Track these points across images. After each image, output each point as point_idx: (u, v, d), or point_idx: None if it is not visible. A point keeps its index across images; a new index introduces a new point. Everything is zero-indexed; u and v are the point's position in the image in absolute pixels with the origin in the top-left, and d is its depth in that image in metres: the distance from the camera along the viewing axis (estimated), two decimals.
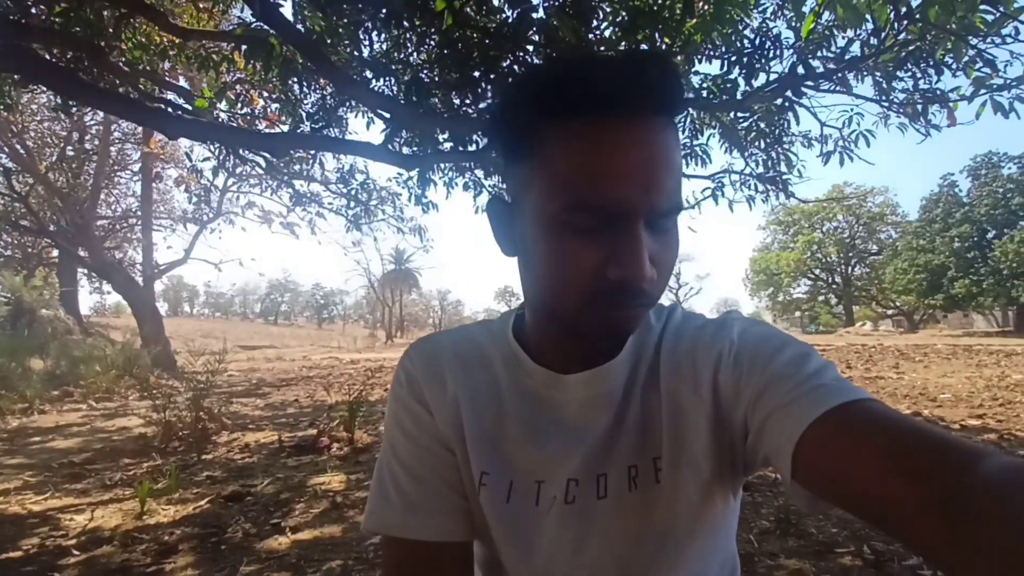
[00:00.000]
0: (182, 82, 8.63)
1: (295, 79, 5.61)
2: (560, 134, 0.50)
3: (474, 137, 5.91)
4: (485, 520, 0.64)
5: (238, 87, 6.68)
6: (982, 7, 3.77)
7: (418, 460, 0.64)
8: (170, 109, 5.74)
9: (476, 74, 5.01)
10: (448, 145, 6.11)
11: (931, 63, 4.84)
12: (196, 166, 8.36)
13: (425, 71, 5.39)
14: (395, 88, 5.45)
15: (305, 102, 6.37)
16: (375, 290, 51.11)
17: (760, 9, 4.45)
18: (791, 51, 4.99)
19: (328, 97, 6.28)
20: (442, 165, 6.98)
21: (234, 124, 7.01)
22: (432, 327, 75.93)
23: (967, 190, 32.11)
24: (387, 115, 5.48)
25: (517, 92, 0.54)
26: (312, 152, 7.79)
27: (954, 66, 4.70)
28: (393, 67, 5.34)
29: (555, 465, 0.62)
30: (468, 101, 5.26)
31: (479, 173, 7.17)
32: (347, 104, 6.30)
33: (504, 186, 0.67)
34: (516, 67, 4.77)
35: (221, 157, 7.31)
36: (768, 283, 26.66)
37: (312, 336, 44.24)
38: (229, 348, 7.61)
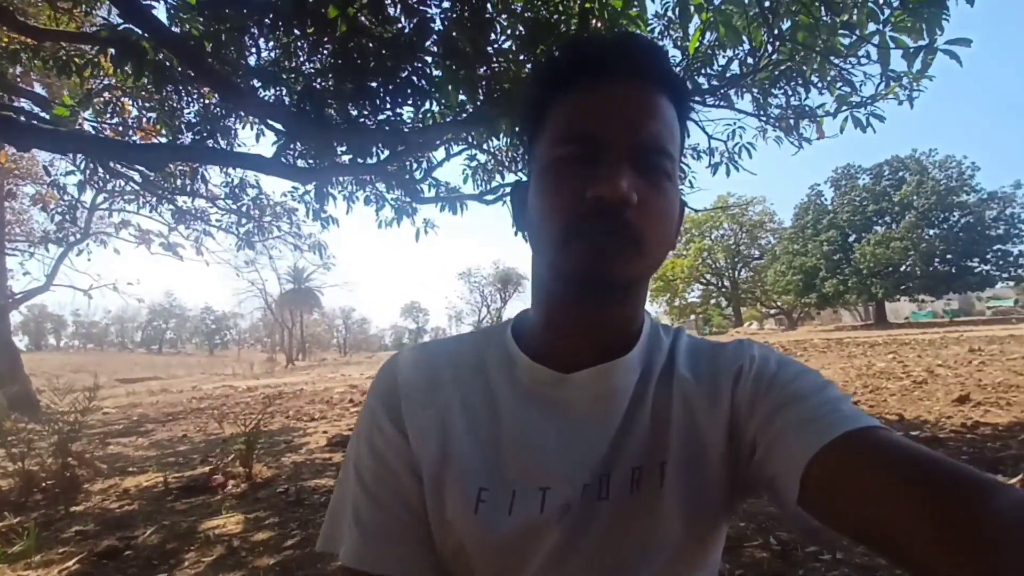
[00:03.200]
0: (38, 89, 7.74)
1: (173, 87, 5.17)
2: (561, 102, 0.57)
3: (374, 149, 5.75)
4: (473, 544, 0.57)
5: (106, 94, 6.06)
6: (841, 31, 4.16)
7: (382, 484, 0.60)
8: (22, 118, 5.10)
9: (373, 84, 4.85)
10: (347, 158, 5.89)
11: (800, 81, 5.28)
12: (57, 181, 7.47)
13: (319, 80, 5.15)
14: (287, 98, 5.16)
15: (185, 112, 5.89)
16: (272, 312, 48.52)
17: (649, 28, 4.63)
18: (678, 68, 5.26)
19: (212, 107, 5.86)
20: (341, 179, 6.72)
21: (103, 135, 6.36)
22: (337, 347, 73.21)
23: (831, 198, 35.63)
24: (278, 126, 5.19)
25: (531, 81, 0.62)
26: (196, 165, 7.22)
27: (820, 84, 5.16)
28: (284, 76, 5.05)
29: (563, 469, 0.58)
30: (366, 112, 5.08)
31: (381, 187, 6.98)
32: (235, 114, 5.91)
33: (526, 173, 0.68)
34: (415, 78, 4.66)
35: (88, 171, 6.59)
36: (665, 289, 28.15)
37: (203, 364, 41.19)
38: (104, 382, 6.84)
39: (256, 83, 5.13)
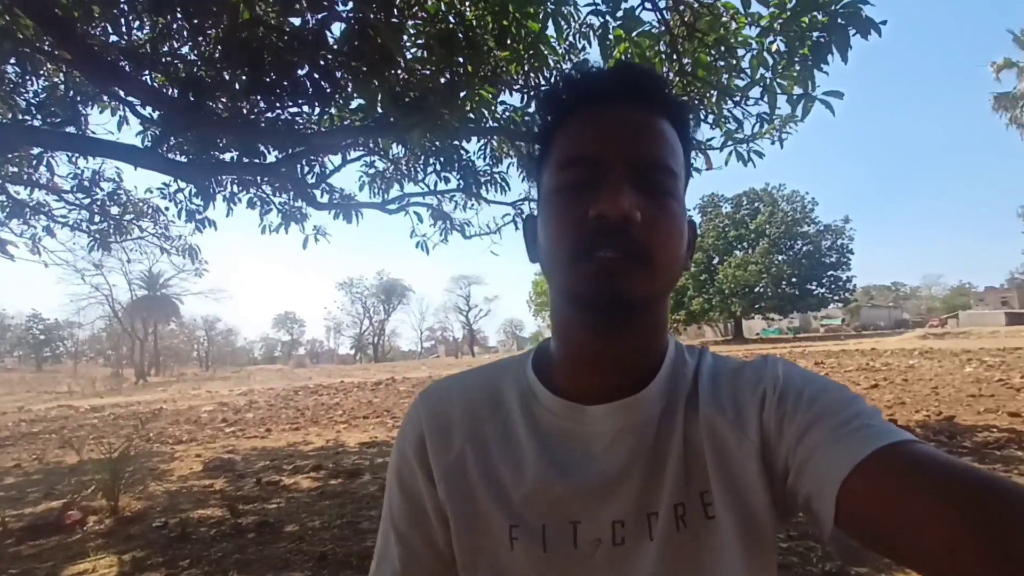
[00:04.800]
0: None
1: (16, 59, 4.43)
2: (563, 131, 0.58)
3: (264, 149, 5.32)
4: None
5: None
6: (737, 73, 4.48)
7: (409, 522, 0.62)
8: None
9: (268, 79, 4.47)
10: (229, 156, 5.40)
11: (695, 116, 5.63)
12: None
13: (203, 69, 4.67)
14: (167, 86, 4.62)
15: (25, 89, 5.08)
16: (121, 321, 43.55)
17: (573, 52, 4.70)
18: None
19: (62, 85, 5.11)
20: (223, 178, 6.15)
21: None
22: (197, 361, 67.15)
23: (700, 224, 38.86)
24: (146, 114, 4.64)
25: (536, 113, 0.60)
26: (40, 151, 6.25)
27: (710, 119, 5.52)
28: (163, 61, 4.52)
29: (591, 504, 0.58)
30: (259, 108, 4.67)
31: (267, 189, 6.48)
32: (91, 97, 5.19)
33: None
34: (315, 75, 4.35)
35: None
36: (549, 304, 28.92)
37: (29, 381, 35.85)
38: None
39: (125, 65, 4.55)
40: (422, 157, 6.14)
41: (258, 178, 6.21)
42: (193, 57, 4.70)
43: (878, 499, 0.43)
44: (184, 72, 4.56)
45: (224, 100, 4.70)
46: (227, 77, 4.53)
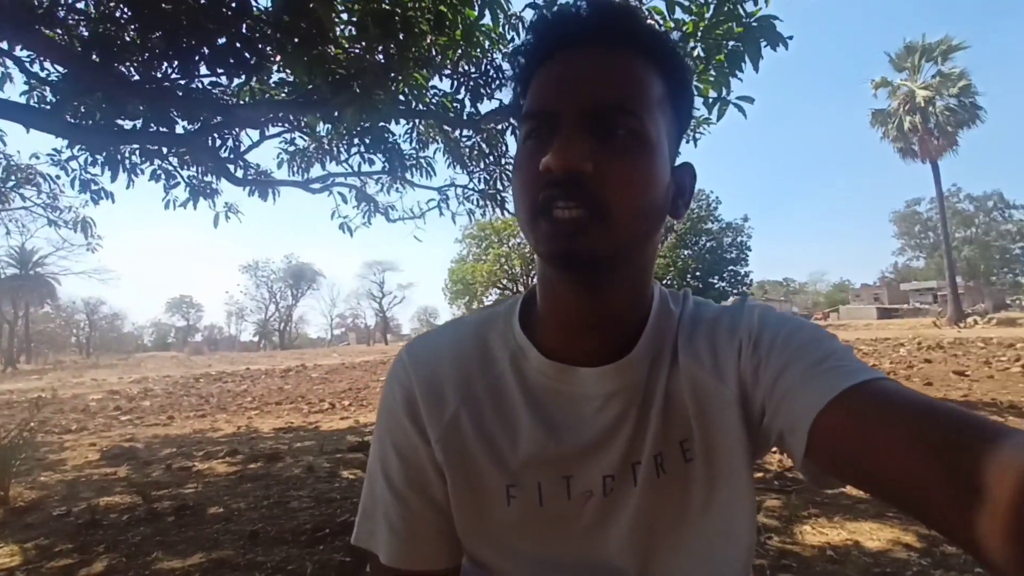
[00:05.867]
0: None
1: None
2: (532, 83, 0.56)
3: (175, 119, 5.01)
4: (510, 532, 0.62)
5: None
6: None
7: (410, 485, 0.62)
8: None
9: (184, 44, 4.23)
10: (133, 123, 5.03)
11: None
12: None
13: (110, 27, 4.33)
14: (68, 42, 4.24)
15: None
16: None
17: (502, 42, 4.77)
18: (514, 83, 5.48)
19: None
20: (122, 147, 5.71)
21: None
22: (77, 348, 61.33)
23: None
24: (36, 72, 4.25)
25: (514, 66, 0.60)
26: None
27: None
28: (66, 15, 4.15)
29: (582, 460, 0.60)
30: (174, 74, 4.40)
31: (174, 161, 6.09)
32: None
33: None
34: (238, 44, 4.17)
35: None
36: (464, 292, 28.91)
37: None
38: None
39: (22, 16, 4.14)
40: (346, 137, 6.01)
41: (164, 149, 5.83)
42: (96, 14, 4.35)
43: (848, 433, 0.45)
44: (89, 30, 4.21)
45: (135, 63, 4.39)
46: (138, 38, 4.24)
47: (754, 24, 3.37)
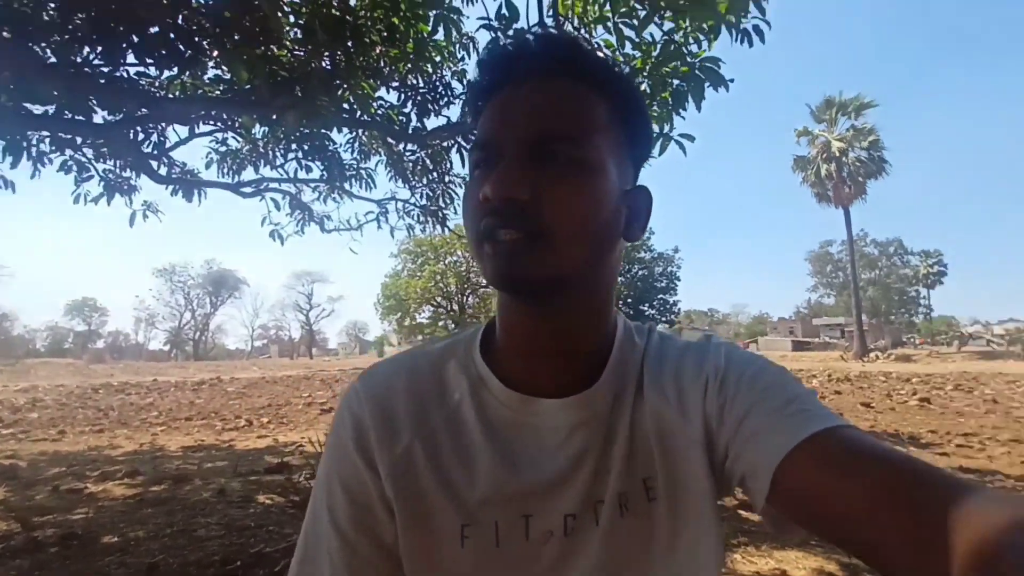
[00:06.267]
0: None
1: None
2: (482, 116, 0.57)
3: (94, 108, 4.63)
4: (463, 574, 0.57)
5: None
6: None
7: (358, 526, 0.57)
8: None
9: (113, 29, 3.94)
10: (43, 109, 4.62)
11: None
12: None
13: (31, 2, 3.97)
14: None
15: None
16: None
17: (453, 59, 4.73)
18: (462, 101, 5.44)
19: None
20: (30, 134, 5.23)
21: None
22: None
23: None
24: None
25: (467, 100, 0.61)
26: None
27: None
28: None
29: (544, 497, 0.57)
30: (97, 61, 4.07)
31: (89, 153, 5.65)
32: None
33: None
34: (172, 35, 3.92)
35: None
36: (397, 308, 28.41)
37: None
38: None
39: None
40: (284, 141, 5.77)
41: (79, 139, 5.39)
42: None
43: (811, 481, 0.45)
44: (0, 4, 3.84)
45: (53, 44, 4.03)
46: (58, 18, 3.90)
47: (699, 65, 3.48)
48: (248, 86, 4.00)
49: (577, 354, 0.59)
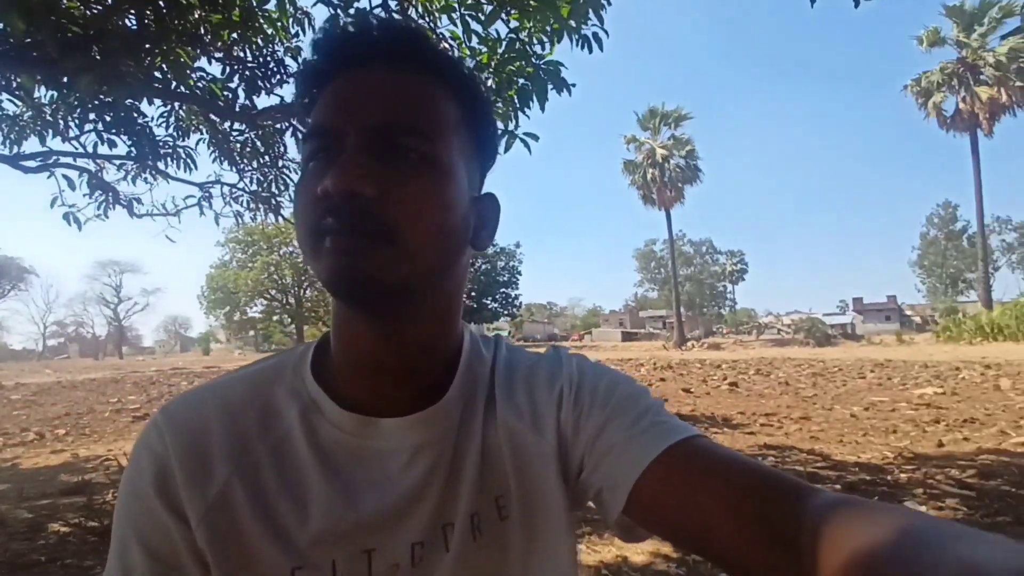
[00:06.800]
0: None
1: None
2: (318, 100, 0.52)
3: None
4: None
5: None
6: None
7: None
8: None
9: None
10: None
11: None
12: None
13: None
14: None
15: None
16: None
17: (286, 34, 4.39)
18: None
19: None
20: None
21: None
22: None
23: None
24: None
25: (298, 80, 0.55)
26: None
27: None
28: None
29: (387, 529, 0.52)
30: None
31: None
32: None
33: None
34: None
35: None
36: (225, 301, 26.08)
37: None
38: None
39: None
40: (79, 109, 4.96)
41: None
42: None
43: (669, 493, 0.47)
44: None
45: None
46: None
47: (543, 67, 3.60)
48: (28, 40, 3.37)
49: (422, 370, 0.55)
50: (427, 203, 0.48)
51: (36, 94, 4.69)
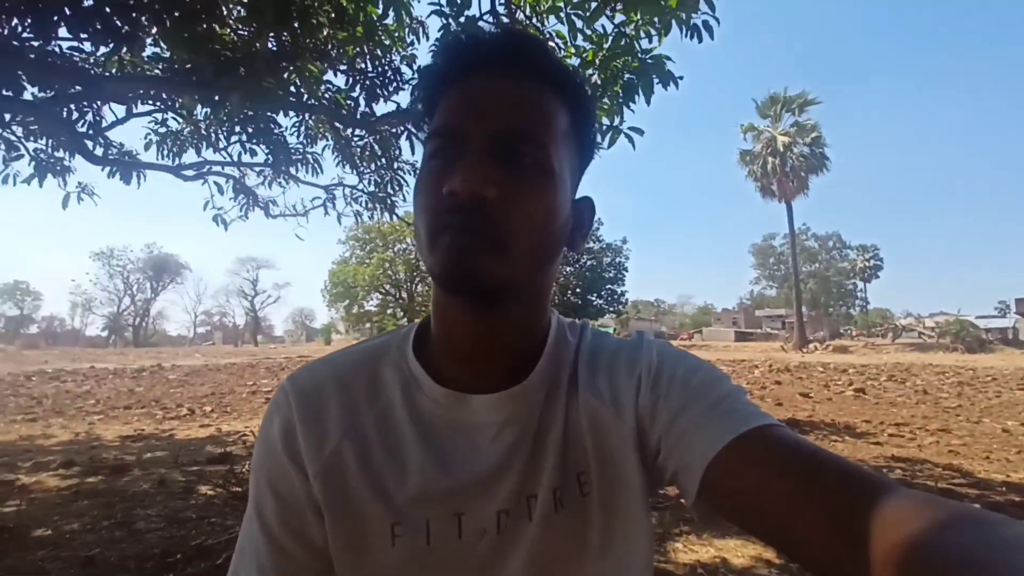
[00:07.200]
0: None
1: None
2: (441, 102, 0.55)
3: (24, 84, 4.40)
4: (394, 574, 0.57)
5: None
6: None
7: (282, 523, 0.57)
8: None
9: (43, 1, 3.74)
10: None
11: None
12: None
13: None
14: None
15: None
16: None
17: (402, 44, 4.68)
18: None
19: None
20: None
21: None
22: None
23: None
24: None
25: (421, 82, 0.60)
26: None
27: None
28: None
29: (476, 495, 0.57)
30: (27, 34, 3.85)
31: (17, 131, 5.35)
32: None
33: None
34: (107, 9, 3.76)
35: None
36: (345, 295, 27.85)
37: None
38: None
39: None
40: (227, 123, 5.60)
41: (7, 116, 5.10)
42: None
43: (740, 478, 0.47)
44: None
45: None
46: None
47: (648, 61, 3.57)
48: (189, 66, 3.88)
49: (512, 353, 0.60)
50: (537, 210, 0.52)
51: (194, 112, 5.35)
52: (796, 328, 35.11)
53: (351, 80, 4.88)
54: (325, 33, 4.01)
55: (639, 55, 3.67)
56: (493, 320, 0.57)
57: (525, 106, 0.53)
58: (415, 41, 4.94)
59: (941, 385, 12.21)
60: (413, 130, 5.38)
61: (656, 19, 3.63)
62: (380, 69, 4.91)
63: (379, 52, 4.60)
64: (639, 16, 3.72)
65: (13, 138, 5.29)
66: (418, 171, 0.56)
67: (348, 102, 5.12)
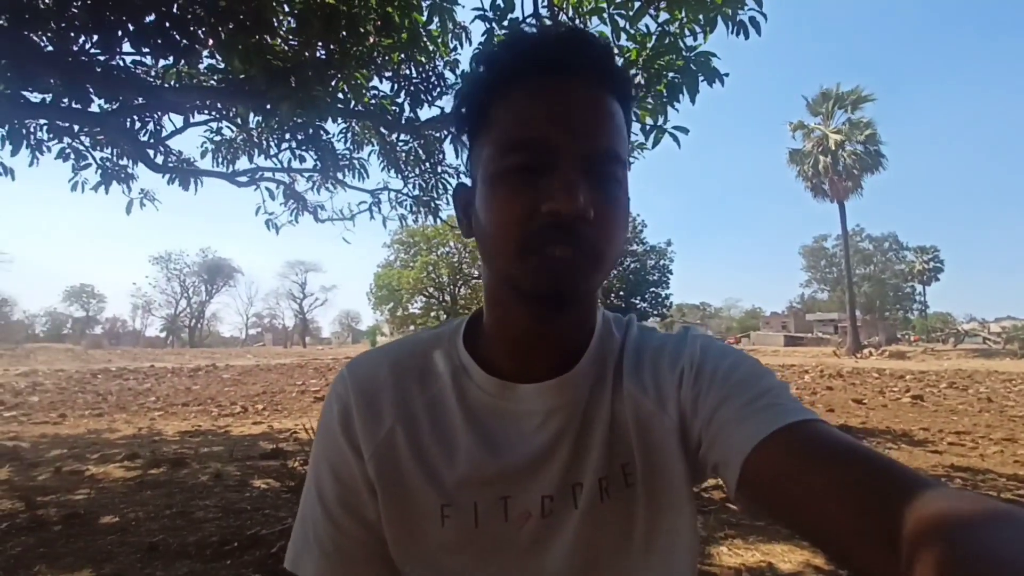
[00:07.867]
0: None
1: None
2: (505, 102, 0.54)
3: (92, 96, 4.66)
4: (443, 554, 0.59)
5: None
6: None
7: (342, 504, 0.60)
8: None
9: (109, 17, 3.97)
10: (40, 96, 4.64)
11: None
12: None
13: None
14: None
15: None
16: None
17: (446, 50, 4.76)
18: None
19: None
20: (28, 122, 5.25)
21: None
22: None
23: None
24: None
25: (472, 75, 0.57)
26: None
27: None
28: None
29: (521, 480, 0.59)
30: (94, 49, 4.10)
31: (86, 141, 5.67)
32: None
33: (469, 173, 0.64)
34: (167, 23, 3.95)
35: None
36: (390, 298, 28.34)
37: None
38: None
39: None
40: (278, 131, 5.80)
41: (76, 127, 5.42)
42: None
43: (778, 473, 0.46)
44: None
45: (49, 32, 4.06)
46: (54, 6, 3.92)
47: (693, 59, 3.52)
48: (243, 76, 4.05)
49: (566, 347, 0.62)
50: (620, 228, 0.55)
51: (247, 120, 5.57)
52: (849, 332, 33.79)
53: (396, 86, 5.00)
54: (371, 41, 4.12)
55: (683, 53, 3.63)
56: (559, 320, 0.59)
57: (608, 121, 0.54)
58: (458, 46, 5.03)
59: (1007, 393, 11.56)
60: (456, 135, 5.46)
61: (701, 16, 3.59)
62: (424, 75, 5.01)
63: (423, 58, 4.69)
64: (683, 14, 3.67)
65: (81, 147, 5.60)
66: (489, 178, 0.54)
67: (393, 108, 5.23)
